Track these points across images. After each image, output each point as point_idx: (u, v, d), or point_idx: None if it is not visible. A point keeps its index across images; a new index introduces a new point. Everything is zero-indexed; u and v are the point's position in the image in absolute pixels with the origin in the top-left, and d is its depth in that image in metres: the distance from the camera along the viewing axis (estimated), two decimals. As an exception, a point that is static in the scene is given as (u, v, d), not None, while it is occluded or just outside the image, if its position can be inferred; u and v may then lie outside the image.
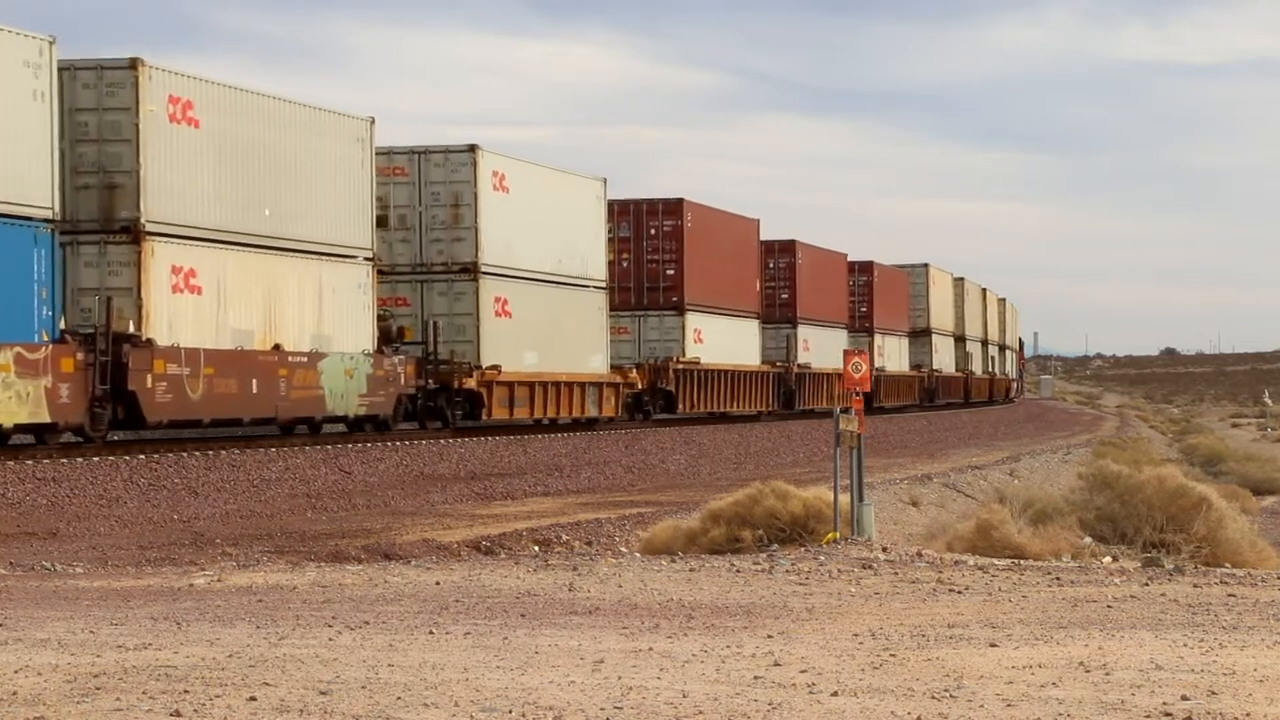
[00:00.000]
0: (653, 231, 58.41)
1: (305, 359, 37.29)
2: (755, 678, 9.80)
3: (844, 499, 19.63)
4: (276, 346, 36.53)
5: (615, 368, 51.99)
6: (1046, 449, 53.59)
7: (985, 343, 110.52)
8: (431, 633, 11.84)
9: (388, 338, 41.20)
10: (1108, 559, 19.64)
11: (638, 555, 19.33)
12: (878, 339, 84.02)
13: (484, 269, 44.38)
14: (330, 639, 11.49)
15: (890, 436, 56.91)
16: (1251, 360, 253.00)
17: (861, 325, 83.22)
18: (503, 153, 45.92)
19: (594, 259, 50.52)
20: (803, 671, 10.01)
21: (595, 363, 50.31)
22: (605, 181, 51.56)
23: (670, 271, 58.51)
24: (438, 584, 15.25)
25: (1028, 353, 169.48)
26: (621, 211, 57.21)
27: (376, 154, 41.06)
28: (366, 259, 40.02)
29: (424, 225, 44.28)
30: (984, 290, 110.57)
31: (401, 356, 41.21)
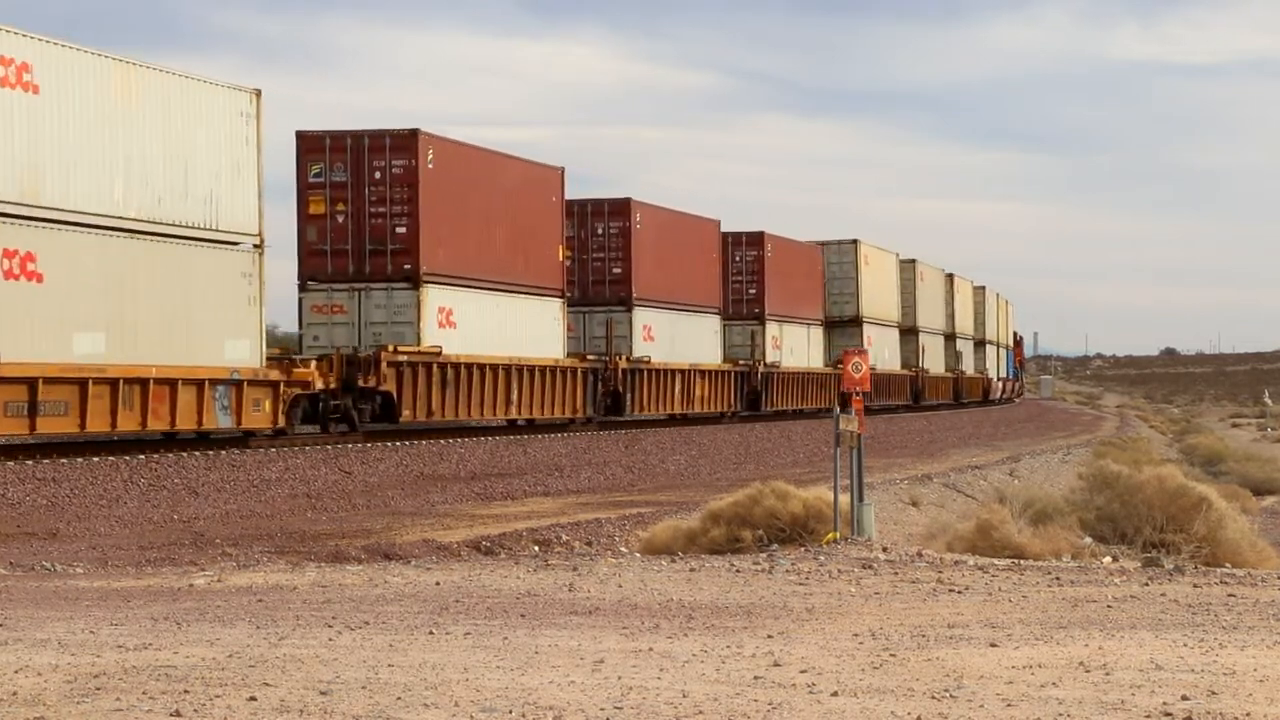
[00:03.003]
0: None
1: None
2: (755, 678, 9.80)
3: (844, 499, 19.63)
4: None
5: (273, 361, 37.26)
6: (1046, 449, 53.59)
7: (952, 336, 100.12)
8: (431, 633, 11.84)
9: None
10: (1108, 559, 19.65)
11: (638, 555, 19.33)
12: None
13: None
14: (330, 639, 11.49)
15: (890, 437, 56.90)
16: (1251, 360, 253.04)
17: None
18: (32, 32, 30.54)
19: (234, 204, 35.11)
20: (803, 671, 10.01)
21: (236, 353, 35.20)
22: (258, 94, 35.79)
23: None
24: (438, 584, 15.25)
25: (1028, 353, 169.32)
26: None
27: None
28: None
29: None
30: (949, 276, 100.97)
31: None
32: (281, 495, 28.24)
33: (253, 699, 9.15)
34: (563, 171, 49.99)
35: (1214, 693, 9.26)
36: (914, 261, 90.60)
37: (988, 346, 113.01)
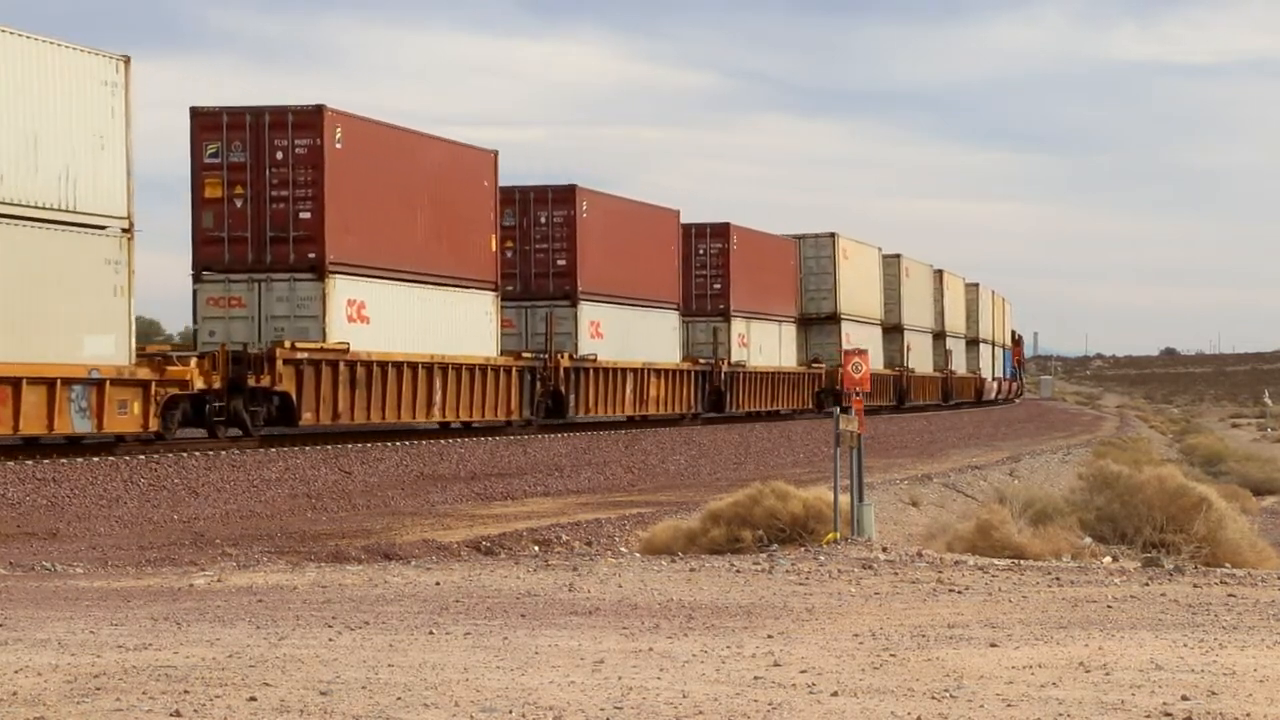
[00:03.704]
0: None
1: None
2: (755, 678, 9.80)
3: (844, 499, 19.64)
4: None
5: (145, 358, 33.59)
6: (1046, 449, 53.60)
7: (941, 334, 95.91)
8: (431, 633, 11.84)
9: None
10: (1108, 559, 19.65)
11: (638, 555, 19.33)
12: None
13: None
14: (330, 639, 11.49)
15: (890, 437, 56.90)
16: (1251, 360, 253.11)
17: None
18: None
19: (97, 183, 31.40)
20: (803, 672, 10.01)
21: (98, 349, 31.55)
22: (126, 61, 32.11)
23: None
24: (438, 584, 15.25)
25: (1028, 352, 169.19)
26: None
27: None
28: None
29: None
30: (939, 272, 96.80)
31: None
32: (281, 495, 28.25)
33: (253, 699, 9.15)
34: (496, 155, 46.25)
35: (1214, 693, 9.26)
36: (899, 256, 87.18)
37: (981, 345, 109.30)
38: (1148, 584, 15.17)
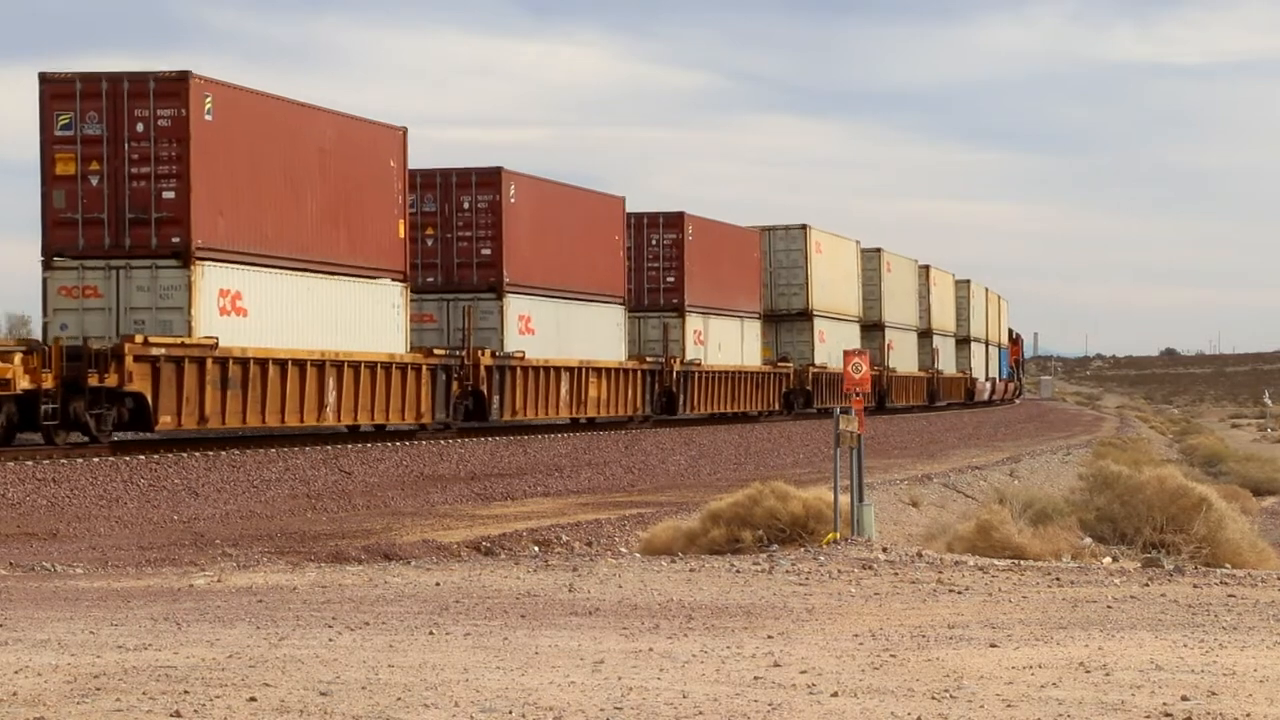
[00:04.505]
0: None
1: None
2: (755, 678, 9.80)
3: (844, 499, 19.64)
4: None
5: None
6: (1046, 449, 53.60)
7: (927, 333, 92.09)
8: (431, 633, 11.84)
9: None
10: (1108, 559, 19.65)
11: (638, 556, 19.33)
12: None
13: None
14: (330, 639, 11.49)
15: (890, 437, 56.90)
16: (1251, 360, 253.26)
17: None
18: None
19: None
20: (803, 672, 10.01)
21: None
22: None
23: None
24: (438, 584, 15.25)
25: (1028, 353, 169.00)
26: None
27: None
28: None
29: None
30: (924, 268, 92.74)
31: None
32: (281, 495, 28.25)
33: (253, 699, 9.15)
34: (404, 132, 42.07)
35: (1214, 693, 9.26)
36: (879, 250, 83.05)
37: (973, 344, 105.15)
38: (1148, 584, 15.17)
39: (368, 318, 40.33)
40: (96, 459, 30.84)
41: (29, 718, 8.72)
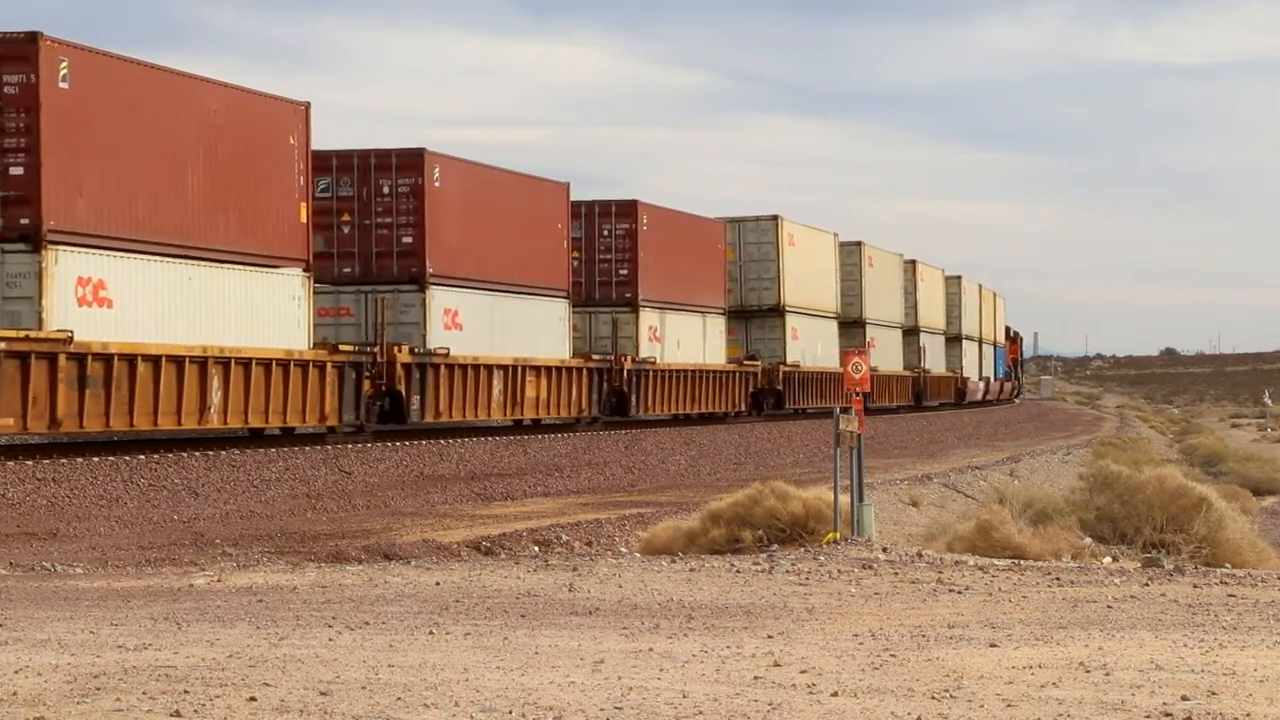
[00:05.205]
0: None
1: None
2: (755, 678, 9.80)
3: (844, 499, 19.64)
4: None
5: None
6: (1046, 449, 53.60)
7: (914, 330, 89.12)
8: (431, 633, 11.84)
9: None
10: (1108, 559, 19.65)
11: (638, 555, 19.33)
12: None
13: None
14: (330, 639, 11.49)
15: (890, 437, 56.90)
16: (1251, 360, 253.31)
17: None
18: None
19: None
20: (803, 672, 10.01)
21: None
22: None
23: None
24: (438, 584, 15.25)
25: (1027, 353, 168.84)
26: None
27: None
28: None
29: None
30: (911, 263, 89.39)
31: None
32: (281, 495, 28.25)
33: (253, 699, 9.15)
34: (307, 107, 38.39)
35: (1214, 693, 9.26)
36: (860, 244, 79.78)
37: (965, 343, 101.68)
38: (1148, 584, 15.17)
39: (262, 310, 36.60)
40: (96, 459, 30.83)
41: (29, 718, 8.72)
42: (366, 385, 39.84)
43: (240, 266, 35.89)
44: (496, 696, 9.19)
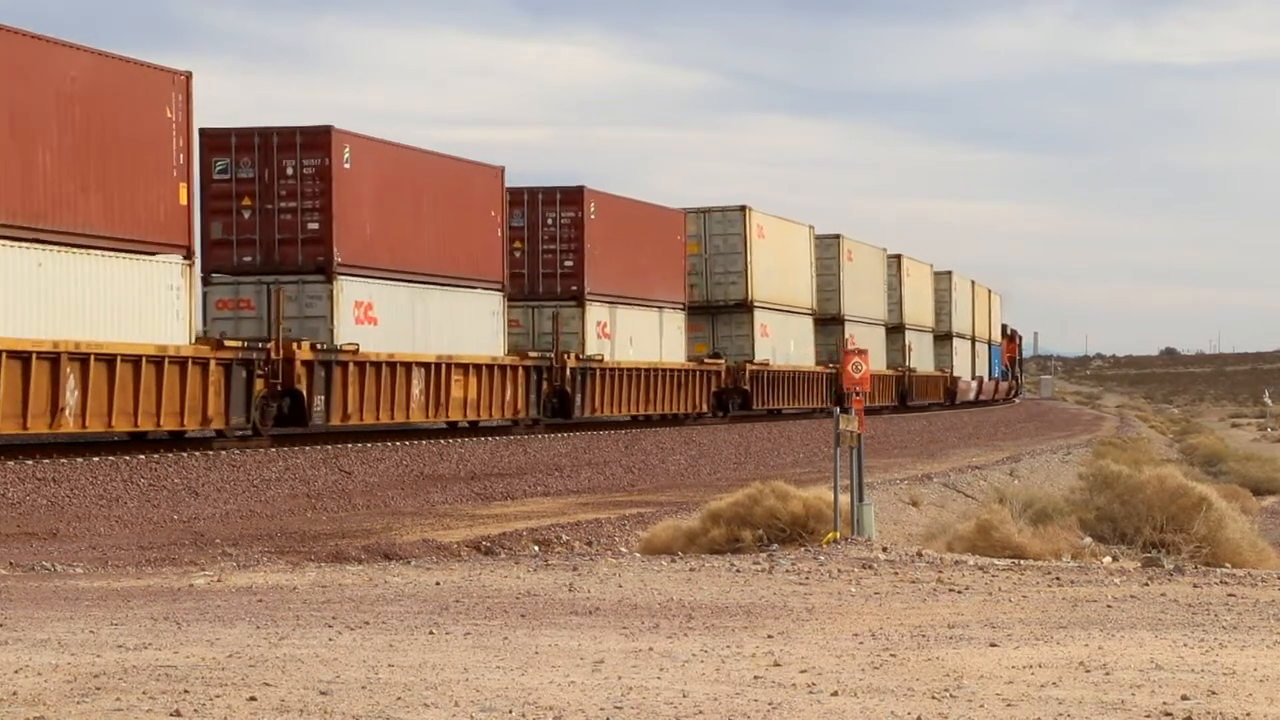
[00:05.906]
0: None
1: None
2: (755, 678, 9.80)
3: (844, 499, 19.64)
4: None
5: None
6: (1046, 449, 53.60)
7: (899, 328, 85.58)
8: (431, 633, 11.84)
9: None
10: (1108, 559, 19.65)
11: (638, 555, 19.33)
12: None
13: None
14: (330, 639, 11.49)
15: (890, 437, 56.91)
16: (1251, 360, 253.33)
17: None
18: None
19: None
20: (803, 671, 10.01)
21: None
22: None
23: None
24: (438, 584, 15.25)
25: (1027, 352, 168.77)
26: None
27: None
28: None
29: None
30: (895, 258, 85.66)
31: None
32: (281, 495, 28.25)
33: (253, 699, 9.15)
34: (188, 77, 34.49)
35: (1214, 693, 9.25)
36: (838, 237, 75.90)
37: (955, 341, 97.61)
38: (1148, 584, 15.17)
39: (132, 302, 32.64)
40: (96, 459, 30.82)
41: (29, 717, 8.72)
42: (259, 385, 36.30)
43: (104, 253, 32.00)
44: (496, 696, 9.19)
